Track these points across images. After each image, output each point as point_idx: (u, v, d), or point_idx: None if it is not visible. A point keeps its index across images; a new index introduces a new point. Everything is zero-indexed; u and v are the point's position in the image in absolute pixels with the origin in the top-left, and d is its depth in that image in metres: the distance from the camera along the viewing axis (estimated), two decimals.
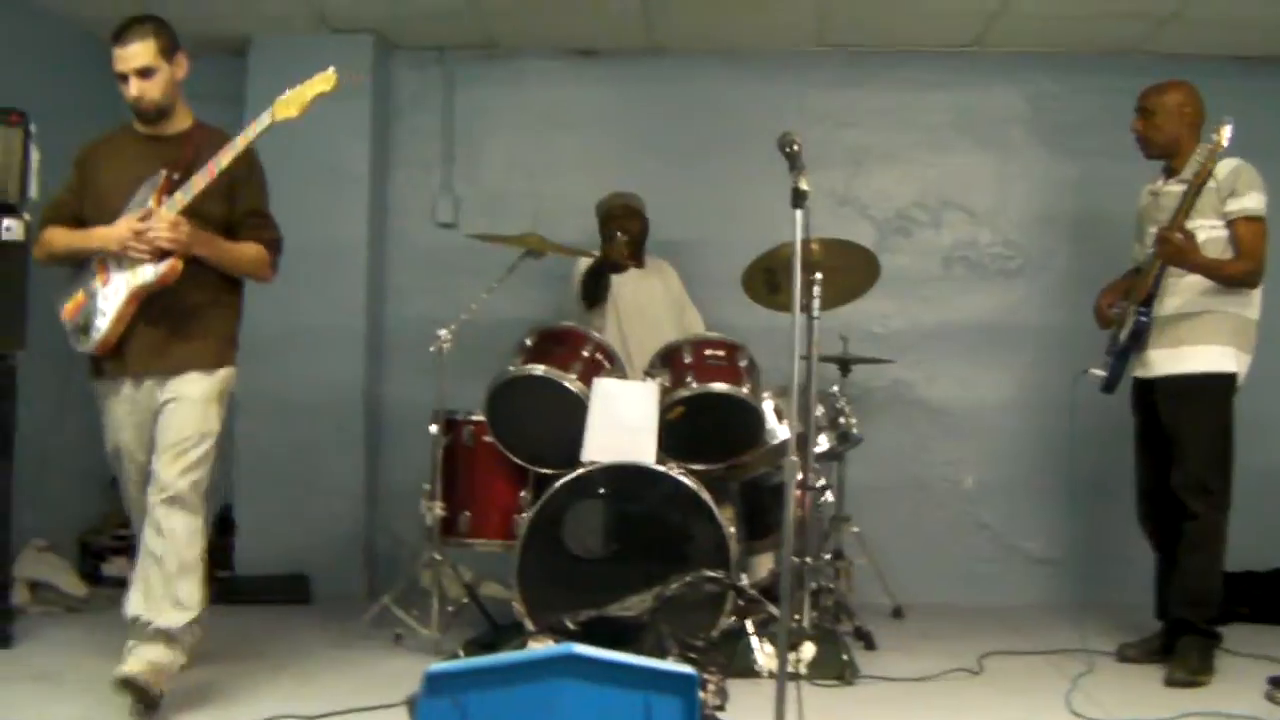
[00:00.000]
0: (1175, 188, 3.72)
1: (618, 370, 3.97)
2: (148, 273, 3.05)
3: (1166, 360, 3.72)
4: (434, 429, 3.93)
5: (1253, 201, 3.61)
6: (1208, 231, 3.63)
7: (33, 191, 3.75)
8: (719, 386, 3.79)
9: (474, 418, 3.97)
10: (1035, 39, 4.99)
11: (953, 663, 3.73)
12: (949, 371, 5.14)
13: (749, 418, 3.84)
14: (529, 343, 3.93)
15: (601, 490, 3.65)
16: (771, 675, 3.17)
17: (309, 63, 3.13)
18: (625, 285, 4.62)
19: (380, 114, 5.20)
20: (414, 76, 5.31)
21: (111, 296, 3.11)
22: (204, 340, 3.20)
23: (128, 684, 2.88)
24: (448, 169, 5.30)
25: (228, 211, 3.24)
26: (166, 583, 3.03)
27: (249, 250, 3.28)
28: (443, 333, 3.97)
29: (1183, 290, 3.69)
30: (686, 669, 2.17)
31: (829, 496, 4.21)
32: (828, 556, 4.42)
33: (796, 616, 3.62)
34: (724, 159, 5.13)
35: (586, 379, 3.79)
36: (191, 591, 3.06)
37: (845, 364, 4.53)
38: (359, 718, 3.05)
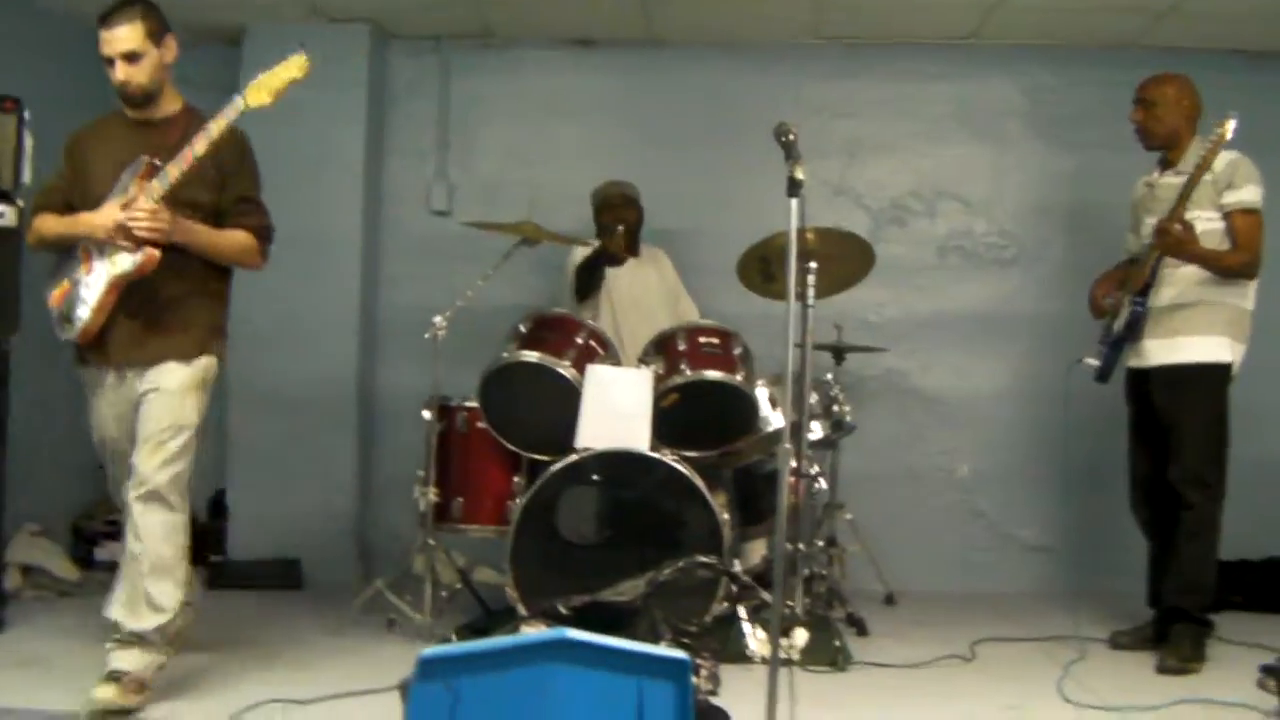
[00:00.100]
0: (1171, 179, 3.73)
1: (611, 357, 3.96)
2: (126, 262, 3.00)
3: (1162, 350, 3.73)
4: (428, 414, 3.93)
5: (1249, 194, 3.62)
6: (1204, 223, 3.64)
7: (26, 178, 3.74)
8: (713, 374, 3.78)
9: (468, 404, 3.96)
10: (1032, 31, 4.98)
11: (945, 649, 3.75)
12: (943, 360, 5.15)
13: (743, 405, 3.83)
14: (523, 329, 3.92)
15: (595, 476, 3.65)
16: (764, 661, 3.15)
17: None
18: (620, 275, 4.61)
19: (375, 102, 5.18)
20: (410, 65, 5.29)
21: (93, 285, 3.07)
22: (184, 331, 3.14)
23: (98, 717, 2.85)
24: (442, 157, 5.29)
25: (218, 199, 3.20)
26: (141, 584, 3.00)
27: (236, 238, 3.22)
28: (438, 319, 3.97)
29: (1178, 281, 3.70)
30: (679, 654, 2.17)
31: (822, 484, 4.22)
32: (821, 543, 4.43)
33: (789, 603, 3.63)
34: (720, 149, 5.12)
35: (580, 365, 3.79)
36: (166, 592, 3.02)
37: (839, 352, 4.54)
38: (351, 702, 3.05)
